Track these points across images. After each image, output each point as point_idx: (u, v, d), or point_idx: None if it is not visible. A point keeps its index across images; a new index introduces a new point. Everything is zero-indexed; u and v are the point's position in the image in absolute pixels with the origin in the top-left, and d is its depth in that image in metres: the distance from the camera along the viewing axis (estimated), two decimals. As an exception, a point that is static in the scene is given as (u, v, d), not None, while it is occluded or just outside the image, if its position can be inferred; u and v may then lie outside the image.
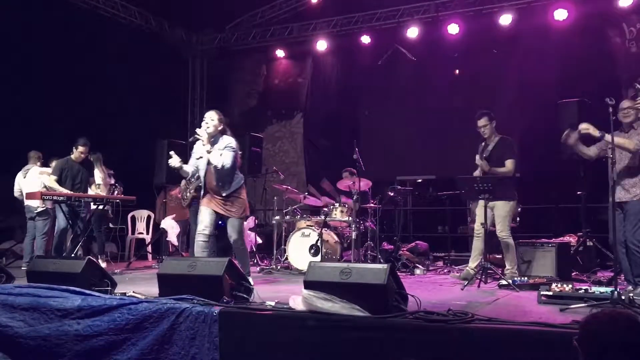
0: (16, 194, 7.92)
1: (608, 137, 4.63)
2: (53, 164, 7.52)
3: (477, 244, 6.00)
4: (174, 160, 5.38)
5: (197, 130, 5.37)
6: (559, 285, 4.33)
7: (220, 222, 5.57)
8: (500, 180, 5.74)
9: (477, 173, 6.07)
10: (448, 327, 3.17)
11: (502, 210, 5.85)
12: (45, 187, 7.47)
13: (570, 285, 4.31)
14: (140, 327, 3.70)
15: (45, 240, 7.56)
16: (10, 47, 8.44)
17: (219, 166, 5.25)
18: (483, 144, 6.13)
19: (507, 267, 5.90)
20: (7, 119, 8.40)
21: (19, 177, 7.91)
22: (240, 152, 5.62)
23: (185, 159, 5.66)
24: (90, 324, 3.78)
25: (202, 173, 5.43)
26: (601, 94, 4.63)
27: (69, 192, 6.96)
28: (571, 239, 7.11)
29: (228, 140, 5.42)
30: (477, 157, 5.97)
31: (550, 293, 4.27)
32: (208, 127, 5.35)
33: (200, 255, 5.19)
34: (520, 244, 6.34)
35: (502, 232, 5.84)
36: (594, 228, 7.17)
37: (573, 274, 6.29)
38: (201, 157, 5.42)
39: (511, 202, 5.91)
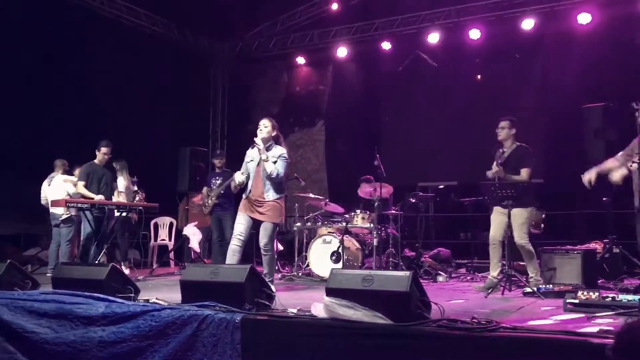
0: (42, 201, 8.04)
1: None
2: (76, 172, 7.64)
3: (494, 253, 5.94)
4: (240, 177, 5.57)
5: (256, 139, 5.53)
6: (585, 293, 4.24)
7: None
8: (522, 186, 5.67)
9: (490, 173, 6.01)
10: (472, 336, 3.13)
11: (519, 218, 5.75)
12: (69, 194, 7.60)
13: (596, 293, 4.22)
14: (163, 334, 3.72)
15: (69, 247, 7.66)
16: (37, 59, 8.61)
17: (274, 174, 5.44)
18: (500, 150, 6.06)
19: (531, 274, 5.82)
20: (34, 128, 8.57)
21: (45, 185, 8.04)
22: (289, 159, 5.74)
23: (207, 165, 5.76)
24: (114, 330, 3.81)
25: (251, 175, 5.59)
26: (627, 98, 4.57)
27: (97, 198, 7.06)
28: (597, 246, 6.99)
29: (281, 150, 5.61)
30: (494, 163, 5.91)
31: (577, 301, 4.19)
32: (262, 133, 5.54)
33: (231, 260, 5.35)
34: (545, 251, 6.25)
35: (521, 239, 5.75)
36: (621, 234, 7.04)
37: (599, 281, 6.18)
38: (252, 160, 5.59)
39: (529, 209, 5.83)
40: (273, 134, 5.64)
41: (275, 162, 5.50)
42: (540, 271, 5.92)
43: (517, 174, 5.88)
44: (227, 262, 5.40)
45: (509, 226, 5.77)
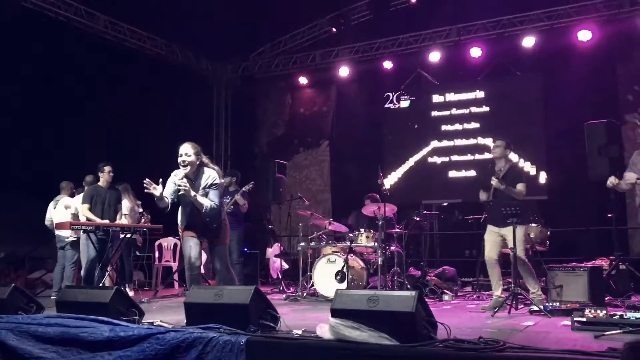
0: (47, 222, 8.05)
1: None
2: (78, 197, 7.67)
3: (493, 272, 5.94)
4: (157, 190, 4.93)
5: (177, 181, 4.96)
6: (593, 311, 4.21)
7: (245, 249, 5.47)
8: (524, 203, 5.69)
9: (483, 197, 6.03)
10: (479, 356, 3.10)
11: (518, 234, 5.75)
12: (72, 216, 7.61)
13: (604, 311, 4.18)
14: (169, 357, 3.69)
15: (74, 270, 7.66)
16: (42, 81, 8.70)
17: (208, 209, 4.96)
18: (495, 168, 6.06)
19: (532, 290, 5.79)
20: (39, 150, 8.62)
21: (50, 207, 8.06)
22: (223, 182, 5.27)
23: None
24: (120, 354, 3.78)
25: (186, 208, 5.11)
26: (629, 114, 4.58)
27: (101, 221, 7.06)
28: (603, 263, 6.95)
29: (210, 176, 5.08)
30: (493, 178, 5.90)
31: (584, 319, 4.16)
32: (185, 168, 5.00)
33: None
34: (551, 268, 6.22)
35: (521, 254, 5.74)
36: (626, 251, 7.01)
37: (606, 298, 6.13)
38: (181, 189, 4.95)
39: (524, 226, 5.86)
40: (198, 162, 5.08)
41: (207, 195, 5.01)
42: (540, 285, 5.91)
43: (514, 188, 5.90)
44: None
45: (506, 245, 5.76)
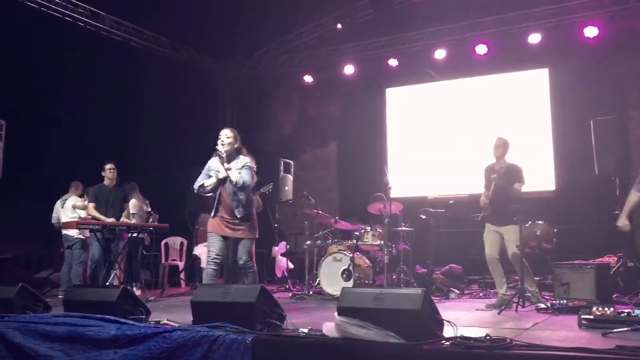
0: (54, 221, 8.09)
1: None
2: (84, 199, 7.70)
3: (495, 270, 5.95)
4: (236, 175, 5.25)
5: (219, 147, 5.32)
6: (600, 309, 4.19)
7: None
8: (514, 202, 5.75)
9: (484, 198, 6.06)
10: (486, 354, 3.09)
11: (512, 235, 5.78)
12: (80, 217, 7.64)
13: (611, 308, 4.17)
14: (175, 356, 3.70)
15: (81, 269, 7.69)
16: (45, 81, 8.73)
17: (240, 183, 5.20)
18: (496, 167, 6.06)
19: (530, 288, 5.77)
20: (46, 150, 8.66)
21: (57, 205, 8.09)
22: (255, 168, 5.53)
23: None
24: (126, 353, 3.80)
25: (217, 192, 5.34)
26: (635, 110, 4.55)
27: (108, 220, 7.08)
28: (610, 260, 6.91)
29: (245, 160, 5.38)
30: (494, 175, 5.89)
31: (591, 317, 4.14)
32: (224, 144, 5.31)
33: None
34: (558, 266, 6.19)
35: (518, 252, 5.73)
36: (634, 248, 6.96)
37: (614, 296, 6.10)
38: (216, 172, 5.34)
39: (524, 225, 5.86)
40: (236, 146, 5.41)
41: (239, 172, 5.28)
42: (536, 283, 5.92)
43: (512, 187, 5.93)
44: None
45: (504, 242, 5.76)
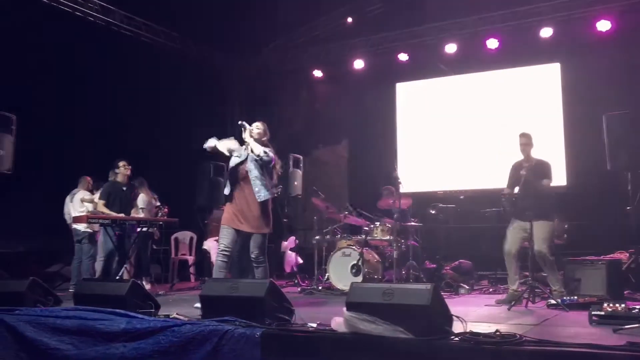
0: (65, 216, 8.13)
1: None
2: (96, 195, 7.73)
3: (510, 265, 5.91)
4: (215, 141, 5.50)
5: (245, 122, 5.48)
6: (611, 305, 4.16)
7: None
8: (547, 197, 5.63)
9: (507, 191, 6.01)
10: (496, 350, 3.08)
11: (541, 232, 5.70)
12: (89, 211, 7.67)
13: (623, 305, 4.14)
14: (184, 350, 3.72)
15: (91, 263, 7.73)
16: (55, 76, 8.77)
17: (262, 154, 5.30)
18: (524, 163, 6.01)
19: (554, 287, 5.73)
20: (57, 144, 8.70)
21: (67, 200, 8.14)
22: (276, 157, 5.60)
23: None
24: (135, 346, 3.82)
25: (234, 176, 5.41)
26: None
27: (118, 215, 7.11)
28: (622, 256, 6.85)
29: (267, 147, 5.51)
30: (524, 170, 5.84)
31: (602, 313, 4.11)
32: (252, 131, 5.46)
33: (218, 277, 5.14)
34: (569, 262, 6.15)
35: (544, 251, 5.69)
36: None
37: (625, 292, 6.06)
38: (237, 157, 5.43)
39: (551, 222, 5.82)
40: (264, 139, 5.53)
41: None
42: (563, 282, 5.84)
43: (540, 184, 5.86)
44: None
45: (529, 239, 5.70)
